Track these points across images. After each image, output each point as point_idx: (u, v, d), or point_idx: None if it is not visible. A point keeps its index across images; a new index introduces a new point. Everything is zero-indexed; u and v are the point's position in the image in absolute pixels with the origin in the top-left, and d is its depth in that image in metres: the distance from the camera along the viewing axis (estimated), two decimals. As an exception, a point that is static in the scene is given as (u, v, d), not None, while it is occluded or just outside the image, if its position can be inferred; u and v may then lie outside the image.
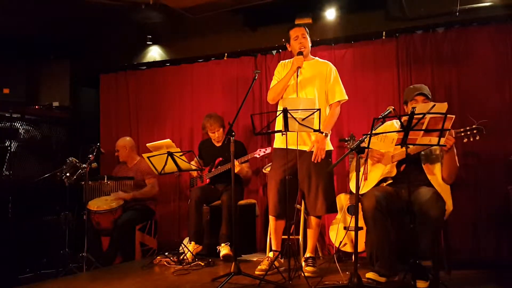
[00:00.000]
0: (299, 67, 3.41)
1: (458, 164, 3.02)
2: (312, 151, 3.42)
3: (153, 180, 4.76)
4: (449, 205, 2.97)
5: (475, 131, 2.84)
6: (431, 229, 2.86)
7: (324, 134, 3.39)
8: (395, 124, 3.26)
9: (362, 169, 3.26)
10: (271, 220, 3.57)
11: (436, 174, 3.06)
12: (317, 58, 3.67)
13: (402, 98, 3.60)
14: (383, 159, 3.20)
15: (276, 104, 3.59)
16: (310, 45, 3.58)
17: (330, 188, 3.48)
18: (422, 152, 3.11)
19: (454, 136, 2.86)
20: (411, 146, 2.75)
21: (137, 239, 4.55)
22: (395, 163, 3.15)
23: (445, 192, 3.00)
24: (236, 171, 4.11)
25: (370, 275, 2.88)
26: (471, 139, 2.86)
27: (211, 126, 4.45)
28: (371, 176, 3.25)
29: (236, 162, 4.10)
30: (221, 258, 3.97)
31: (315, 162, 3.39)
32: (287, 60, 3.70)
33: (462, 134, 2.89)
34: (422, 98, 3.14)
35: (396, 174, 3.15)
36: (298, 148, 3.31)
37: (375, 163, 3.24)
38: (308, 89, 3.46)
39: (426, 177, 3.07)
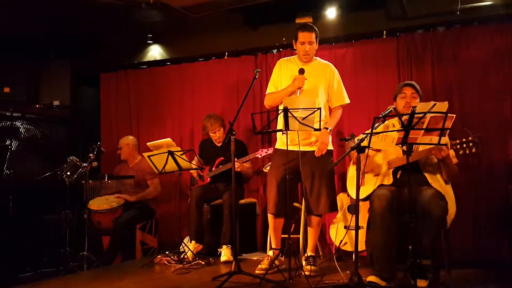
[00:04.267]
0: (300, 88, 3.35)
1: (456, 168, 3.00)
2: (313, 151, 3.43)
3: (156, 181, 4.77)
4: (453, 210, 2.93)
5: (470, 144, 2.74)
6: (433, 228, 2.84)
7: (328, 130, 3.42)
8: None
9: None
10: (270, 218, 3.57)
11: (436, 175, 3.04)
12: (318, 58, 3.64)
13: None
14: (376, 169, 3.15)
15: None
16: (316, 47, 3.54)
17: (331, 187, 3.49)
18: (422, 160, 3.07)
19: (449, 148, 2.82)
20: (412, 154, 2.77)
21: (137, 238, 4.55)
22: (391, 170, 3.09)
23: (449, 197, 2.95)
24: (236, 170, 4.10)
25: (371, 278, 2.83)
26: (467, 152, 2.75)
27: (211, 126, 4.44)
28: (368, 181, 3.17)
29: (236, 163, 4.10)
30: (221, 261, 3.96)
31: (318, 157, 3.41)
32: (286, 58, 3.68)
33: (458, 146, 2.79)
34: (411, 90, 3.13)
35: (393, 182, 3.08)
36: (300, 149, 3.31)
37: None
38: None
39: (426, 178, 3.04)
